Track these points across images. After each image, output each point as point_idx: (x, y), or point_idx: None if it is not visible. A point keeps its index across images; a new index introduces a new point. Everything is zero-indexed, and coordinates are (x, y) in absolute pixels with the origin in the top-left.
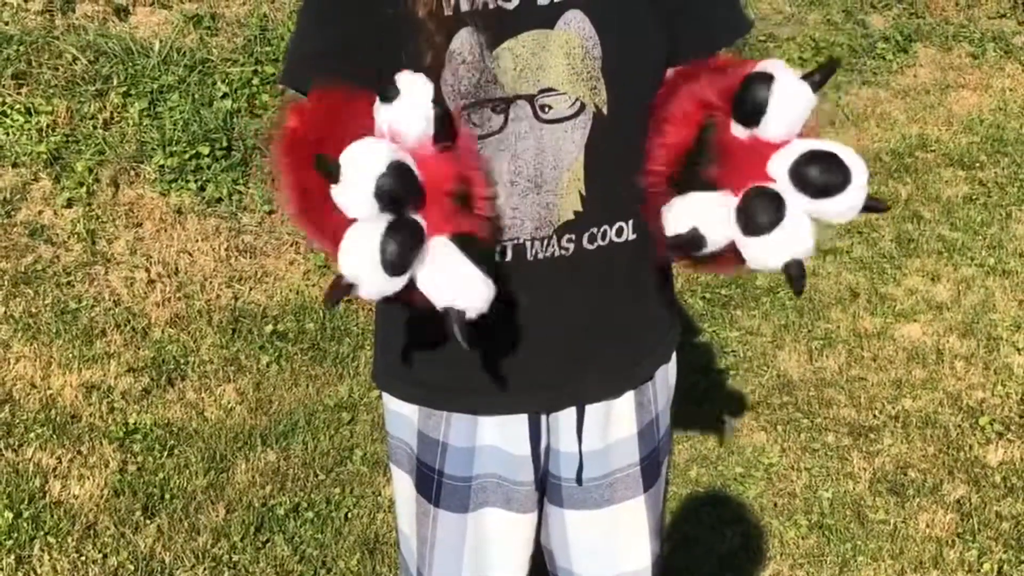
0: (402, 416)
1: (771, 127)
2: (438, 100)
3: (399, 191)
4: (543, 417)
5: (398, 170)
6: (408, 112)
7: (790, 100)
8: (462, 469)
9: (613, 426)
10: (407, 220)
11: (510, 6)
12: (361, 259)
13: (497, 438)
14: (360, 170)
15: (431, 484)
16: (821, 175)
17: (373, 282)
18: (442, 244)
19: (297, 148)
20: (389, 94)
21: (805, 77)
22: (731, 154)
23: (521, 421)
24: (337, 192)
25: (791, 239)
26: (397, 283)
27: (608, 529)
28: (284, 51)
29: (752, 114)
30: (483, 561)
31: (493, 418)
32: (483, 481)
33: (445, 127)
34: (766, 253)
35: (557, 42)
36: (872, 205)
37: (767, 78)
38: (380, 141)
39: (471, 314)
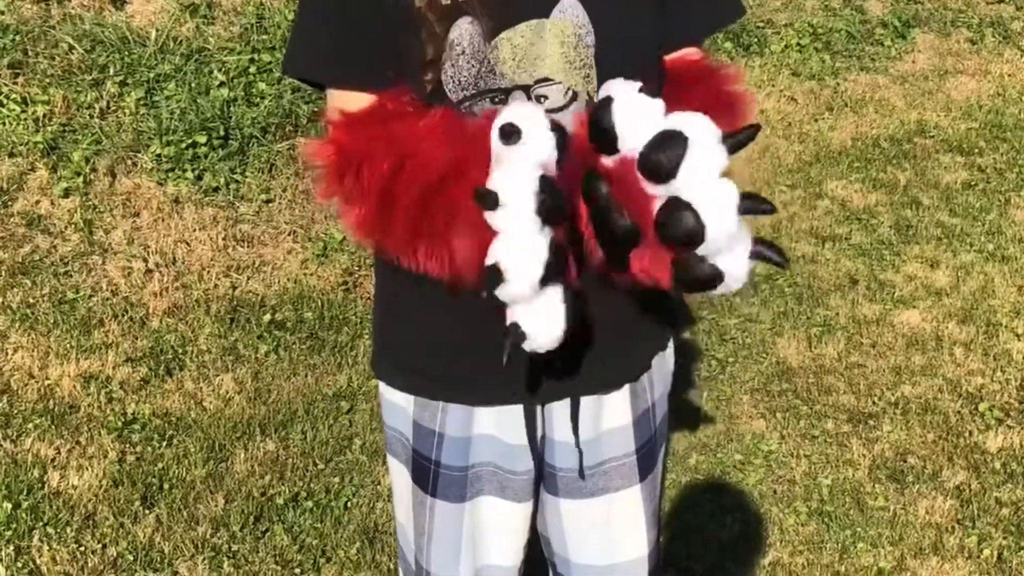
0: (398, 406)
1: (627, 143)
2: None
3: (556, 207)
4: (539, 407)
5: (551, 186)
6: (538, 149)
7: (633, 112)
8: (459, 459)
9: (606, 415)
10: (558, 243)
11: None
12: (523, 268)
13: (493, 427)
14: (519, 192)
15: (428, 474)
16: (658, 156)
17: (523, 282)
18: (559, 285)
19: (352, 161)
20: (511, 138)
21: (725, 138)
22: (615, 186)
23: (516, 411)
24: (497, 217)
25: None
26: (537, 290)
27: (604, 518)
28: (285, 40)
29: (608, 140)
30: (479, 549)
31: (489, 408)
32: (479, 470)
33: (565, 145)
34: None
35: (553, 31)
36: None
37: (607, 101)
38: (524, 162)
39: (528, 347)
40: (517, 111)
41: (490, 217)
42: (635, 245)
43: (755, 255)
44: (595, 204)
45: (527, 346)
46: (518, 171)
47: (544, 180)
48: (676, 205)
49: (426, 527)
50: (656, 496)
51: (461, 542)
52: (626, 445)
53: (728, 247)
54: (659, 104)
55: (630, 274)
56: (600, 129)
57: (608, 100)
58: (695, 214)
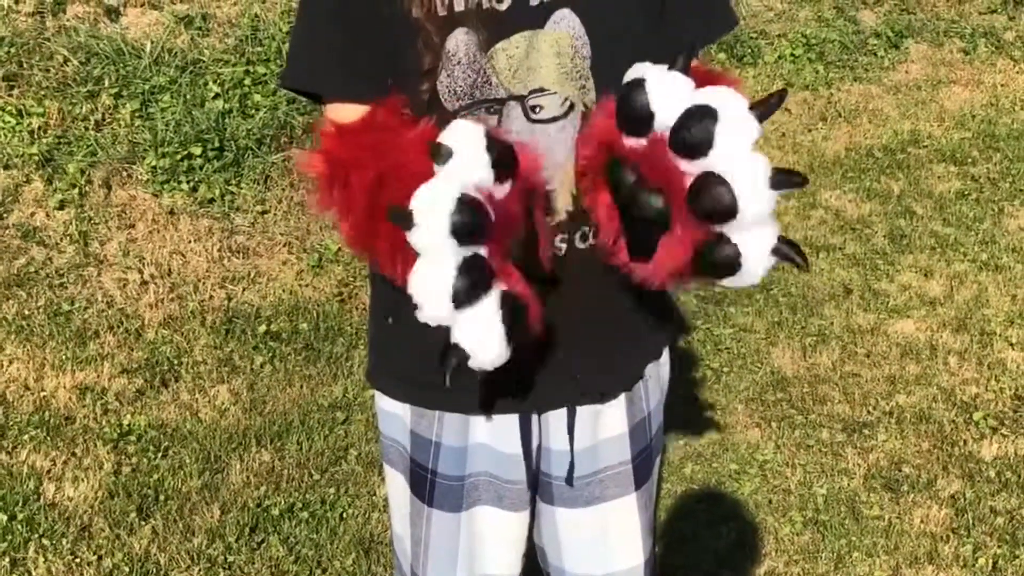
0: (395, 416)
1: (662, 122)
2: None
3: (472, 226)
4: (534, 416)
5: (468, 205)
6: (466, 169)
7: (667, 90)
8: (455, 468)
9: (602, 424)
10: (478, 260)
11: (502, 7)
12: (429, 292)
13: (488, 436)
14: (433, 211)
15: (425, 484)
16: (689, 131)
17: (438, 312)
18: (492, 298)
19: (341, 170)
20: (441, 155)
21: (753, 108)
22: (646, 167)
23: (512, 420)
24: (413, 236)
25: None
26: (455, 316)
27: (599, 527)
28: (279, 52)
29: (641, 121)
30: (476, 559)
31: (485, 417)
32: (475, 479)
33: (506, 163)
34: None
35: (547, 42)
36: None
37: (639, 82)
38: (445, 181)
39: (471, 365)
40: (457, 129)
41: (408, 237)
42: (666, 228)
43: (776, 252)
44: (623, 190)
45: (472, 364)
46: (435, 190)
47: (462, 199)
48: (709, 179)
49: (423, 537)
50: (652, 506)
51: (457, 552)
52: (622, 454)
53: (757, 228)
54: (690, 81)
55: (652, 265)
56: (633, 109)
57: (640, 81)
58: (729, 187)
